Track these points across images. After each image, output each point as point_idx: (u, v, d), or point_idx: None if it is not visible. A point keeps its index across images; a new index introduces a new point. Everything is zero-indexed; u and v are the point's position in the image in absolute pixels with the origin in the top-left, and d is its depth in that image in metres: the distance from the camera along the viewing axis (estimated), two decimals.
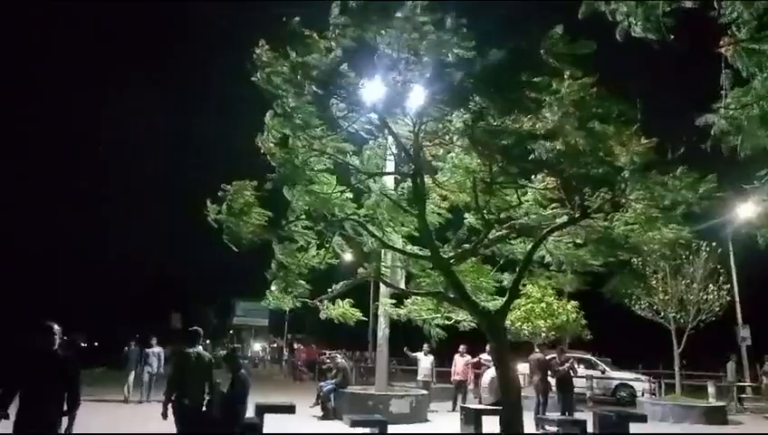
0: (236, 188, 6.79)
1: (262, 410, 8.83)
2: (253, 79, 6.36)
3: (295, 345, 34.56)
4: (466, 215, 8.28)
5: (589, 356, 20.16)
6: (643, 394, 18.31)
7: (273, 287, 7.75)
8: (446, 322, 9.54)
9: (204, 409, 6.69)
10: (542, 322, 14.72)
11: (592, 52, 5.46)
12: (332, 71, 6.30)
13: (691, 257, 14.82)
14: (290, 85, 6.42)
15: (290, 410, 9.19)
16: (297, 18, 5.96)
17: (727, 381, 17.30)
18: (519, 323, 14.88)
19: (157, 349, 14.96)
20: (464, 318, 9.65)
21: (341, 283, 8.22)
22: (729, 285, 16.05)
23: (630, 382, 19.61)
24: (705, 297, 14.88)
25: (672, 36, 4.24)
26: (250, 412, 8.15)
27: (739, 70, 4.36)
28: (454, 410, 14.09)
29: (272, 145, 6.94)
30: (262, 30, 6.49)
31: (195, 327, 7.17)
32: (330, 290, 8.18)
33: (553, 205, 7.68)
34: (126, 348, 15.24)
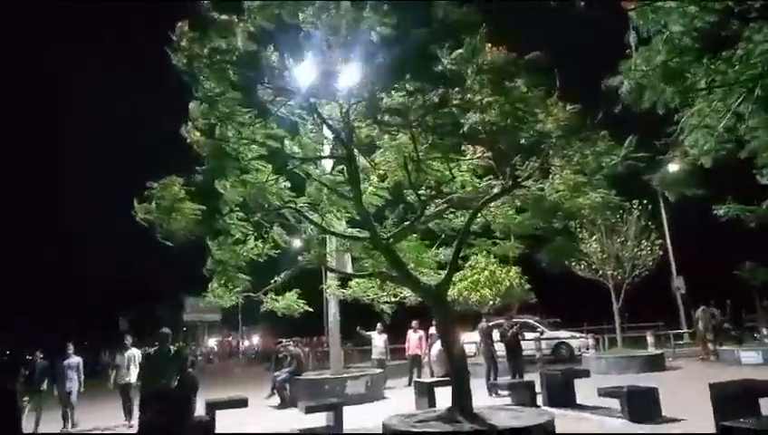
0: (164, 185, 6.54)
1: (212, 406, 8.72)
2: (173, 61, 6.10)
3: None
4: (406, 193, 8.33)
5: (529, 320, 20.94)
6: (580, 350, 19.26)
7: (213, 284, 7.56)
8: (393, 298, 9.64)
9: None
10: (488, 290, 15.09)
11: (480, 18, 5.53)
12: (254, 54, 6.14)
13: (624, 216, 15.51)
14: (211, 71, 6.22)
15: (242, 404, 9.11)
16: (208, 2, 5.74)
17: (721, 325, 18.28)
18: (466, 293, 15.20)
19: (75, 359, 11.64)
20: (410, 294, 9.77)
21: (284, 273, 8.12)
22: (661, 240, 16.86)
23: (567, 341, 20.59)
24: (638, 253, 15.63)
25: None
26: (200, 410, 8.04)
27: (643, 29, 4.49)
28: (410, 385, 14.32)
29: (198, 136, 6.72)
30: (188, 13, 6.24)
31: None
32: (273, 281, 8.07)
33: (488, 176, 7.83)
34: (30, 360, 11.86)
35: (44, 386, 11.23)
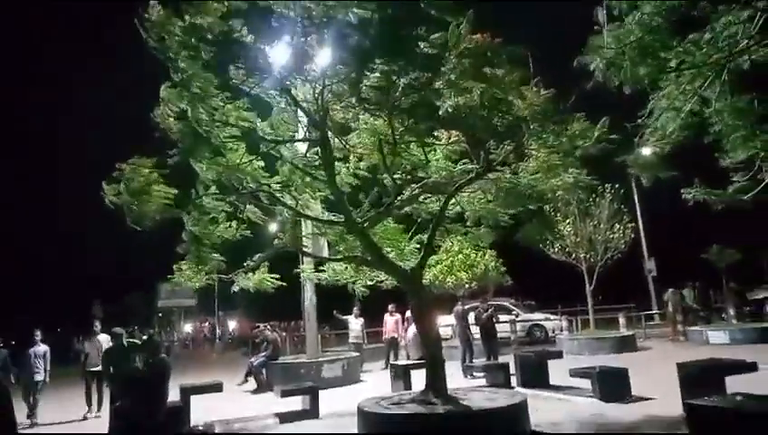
0: (134, 166, 6.40)
1: (187, 392, 8.66)
2: (144, 36, 5.92)
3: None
4: (381, 177, 8.29)
5: (504, 302, 21.23)
6: (554, 332, 19.64)
7: (182, 265, 7.45)
8: (369, 282, 9.62)
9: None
10: (464, 274, 15.20)
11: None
12: (227, 34, 6.01)
13: (597, 200, 15.72)
14: (184, 49, 6.06)
15: (216, 388, 9.07)
16: None
17: (689, 307, 18.72)
18: (441, 277, 15.29)
19: (42, 347, 10.83)
20: (385, 278, 9.79)
21: (257, 255, 8.04)
22: (633, 224, 17.14)
23: (541, 323, 20.97)
24: (611, 236, 15.89)
25: None
26: (174, 396, 7.96)
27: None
28: (386, 368, 14.41)
29: (170, 119, 6.57)
30: None
31: None
32: (246, 263, 7.99)
33: (463, 160, 7.83)
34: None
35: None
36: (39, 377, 10.67)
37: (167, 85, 6.44)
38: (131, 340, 7.81)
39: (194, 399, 8.82)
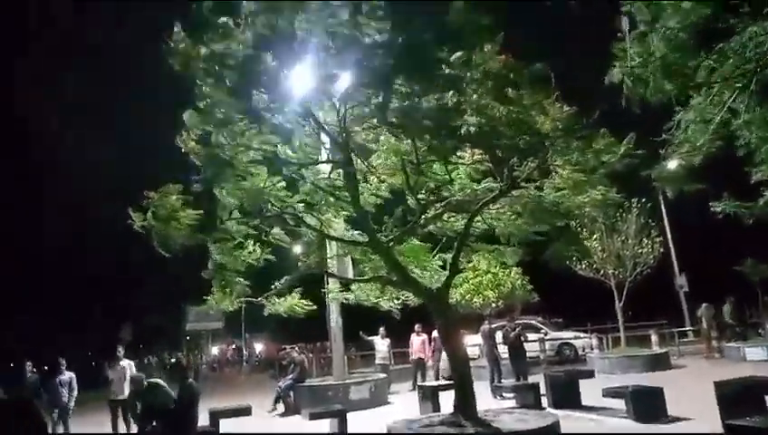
0: (161, 193, 6.53)
1: (216, 415, 8.67)
2: (170, 62, 6.05)
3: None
4: (404, 196, 8.30)
5: (532, 321, 20.87)
6: (584, 350, 19.18)
7: (213, 289, 7.54)
8: (396, 301, 9.58)
9: None
10: (491, 292, 15.05)
11: (491, 22, 5.51)
12: (250, 60, 6.12)
13: (624, 215, 15.46)
14: (208, 75, 6.19)
15: (246, 412, 9.06)
16: (208, 3, 5.72)
17: (725, 322, 18.16)
18: (468, 297, 15.16)
19: (67, 375, 10.78)
20: (413, 297, 9.74)
21: (285, 278, 8.09)
22: (662, 238, 16.80)
23: (571, 341, 20.51)
24: (639, 251, 15.58)
25: None
26: (203, 420, 7.99)
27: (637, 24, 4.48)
28: (414, 389, 14.25)
29: (193, 143, 6.69)
30: (179, 13, 6.20)
31: None
32: (273, 286, 8.04)
33: (486, 179, 7.80)
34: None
35: None
36: (64, 404, 10.56)
37: (190, 110, 6.57)
38: (152, 380, 7.75)
39: (223, 422, 8.82)
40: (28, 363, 11.39)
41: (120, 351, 11.15)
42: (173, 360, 9.38)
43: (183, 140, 6.52)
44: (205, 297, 7.81)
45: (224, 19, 5.93)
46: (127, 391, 9.94)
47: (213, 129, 6.54)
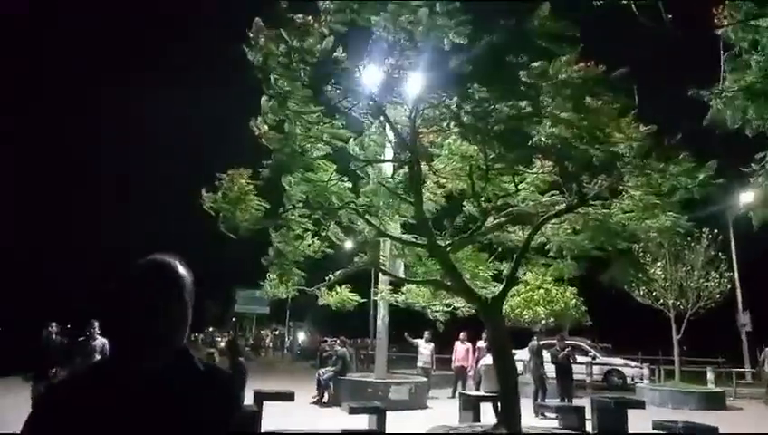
0: (232, 177, 6.73)
1: (261, 397, 8.85)
2: (249, 57, 6.22)
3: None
4: (465, 202, 8.23)
5: (581, 343, 20.26)
6: (633, 379, 18.45)
7: (270, 276, 7.72)
8: (445, 308, 9.54)
9: None
10: (541, 308, 14.72)
11: (578, 33, 5.37)
12: (327, 56, 6.21)
13: (692, 244, 14.78)
14: (285, 69, 6.33)
15: (289, 397, 9.21)
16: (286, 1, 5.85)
17: (763, 371, 17.20)
18: (518, 310, 14.88)
19: (100, 341, 9.11)
20: (462, 305, 9.65)
21: (338, 271, 8.19)
22: (730, 273, 15.98)
23: (620, 368, 19.75)
24: (705, 284, 14.86)
25: (669, 16, 4.18)
26: (249, 400, 8.17)
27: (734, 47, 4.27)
28: (453, 396, 14.12)
29: (266, 128, 6.84)
30: (257, 9, 6.38)
31: None
32: (327, 278, 8.15)
33: (551, 192, 7.64)
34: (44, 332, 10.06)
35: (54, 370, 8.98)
36: None
37: (265, 97, 6.72)
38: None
39: (266, 404, 8.99)
40: (52, 325, 10.28)
41: (95, 325, 9.37)
42: (224, 339, 9.50)
43: (257, 124, 6.68)
44: (260, 283, 8.01)
45: (301, 16, 6.06)
46: None
47: (287, 118, 6.68)
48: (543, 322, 15.02)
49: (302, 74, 6.39)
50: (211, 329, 63.51)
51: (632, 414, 9.82)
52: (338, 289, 8.66)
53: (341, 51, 6.27)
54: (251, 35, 6.18)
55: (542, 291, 14.83)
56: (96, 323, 9.09)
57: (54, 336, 10.30)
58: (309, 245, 7.63)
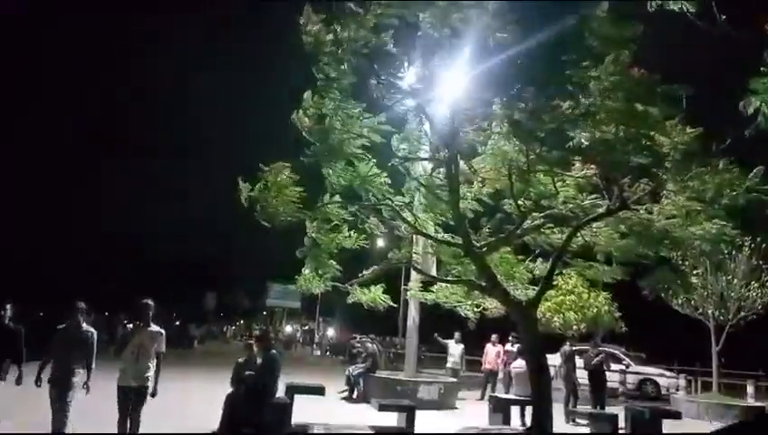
0: (273, 168, 6.81)
1: (292, 390, 8.97)
2: (303, 38, 6.22)
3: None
4: (503, 203, 8.14)
5: (615, 350, 19.85)
6: (668, 390, 18.02)
7: (304, 270, 7.77)
8: (476, 309, 9.46)
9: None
10: (573, 314, 14.48)
11: (638, 34, 5.27)
12: (377, 49, 6.22)
13: (734, 253, 14.31)
14: (332, 58, 6.35)
15: (319, 391, 9.30)
16: None
17: None
18: (550, 315, 14.68)
19: (87, 330, 7.33)
20: (494, 306, 9.56)
21: (373, 267, 8.20)
22: None
23: (655, 377, 19.31)
24: (746, 295, 14.39)
25: (723, 17, 4.07)
26: (281, 392, 8.29)
27: None
28: (482, 398, 14.03)
29: (308, 120, 6.88)
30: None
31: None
32: (360, 274, 8.18)
33: (592, 195, 7.51)
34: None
35: None
36: None
37: (309, 91, 6.78)
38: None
39: (297, 398, 9.10)
40: (6, 307, 9.01)
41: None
42: (258, 331, 9.68)
43: (299, 117, 6.75)
44: (296, 276, 8.08)
45: (351, 5, 6.07)
46: None
47: (329, 111, 6.72)
48: (575, 327, 14.78)
49: (347, 66, 6.40)
50: (241, 322, 64.65)
51: (668, 424, 9.61)
52: (371, 288, 8.66)
53: (390, 45, 6.27)
54: (301, 22, 6.22)
55: (572, 296, 14.60)
56: (83, 306, 6.89)
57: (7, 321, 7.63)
58: (346, 237, 7.65)
